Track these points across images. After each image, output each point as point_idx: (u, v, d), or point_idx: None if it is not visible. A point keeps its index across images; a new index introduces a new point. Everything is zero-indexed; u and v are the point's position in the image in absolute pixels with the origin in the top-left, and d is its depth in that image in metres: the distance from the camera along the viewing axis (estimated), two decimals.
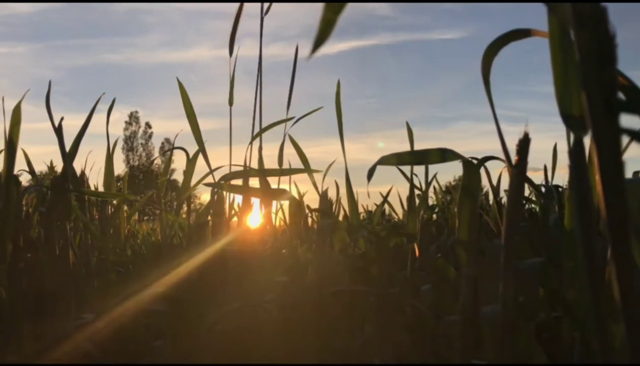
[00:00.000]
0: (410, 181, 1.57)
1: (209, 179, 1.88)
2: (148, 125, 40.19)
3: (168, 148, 1.88)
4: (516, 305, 0.79)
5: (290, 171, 1.59)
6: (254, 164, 1.49)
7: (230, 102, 1.71)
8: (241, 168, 1.50)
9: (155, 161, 38.84)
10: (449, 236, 2.13)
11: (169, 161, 2.30)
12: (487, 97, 0.78)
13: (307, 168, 1.59)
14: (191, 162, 1.90)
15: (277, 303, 1.32)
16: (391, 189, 2.75)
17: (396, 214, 3.28)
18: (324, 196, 1.67)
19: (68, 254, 1.37)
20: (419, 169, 2.45)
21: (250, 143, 1.51)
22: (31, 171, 1.65)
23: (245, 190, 1.41)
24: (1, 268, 1.07)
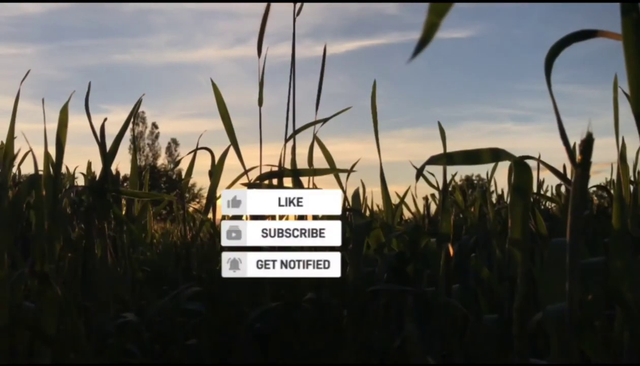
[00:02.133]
0: (444, 180, 1.57)
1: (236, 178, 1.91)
2: (155, 125, 40.28)
3: (192, 150, 1.89)
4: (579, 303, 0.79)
5: (325, 171, 1.59)
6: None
7: (260, 103, 1.71)
8: (266, 168, 1.51)
9: (161, 162, 38.96)
10: (471, 235, 2.14)
11: (192, 161, 2.31)
12: (550, 97, 0.78)
13: (338, 168, 1.60)
14: (220, 162, 1.91)
15: (315, 303, 1.32)
16: (409, 190, 2.75)
17: (412, 213, 3.27)
18: (355, 195, 1.68)
19: (107, 253, 1.38)
20: (436, 169, 2.46)
21: (285, 143, 1.52)
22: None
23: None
24: (47, 266, 1.08)
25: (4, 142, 2.27)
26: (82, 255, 1.29)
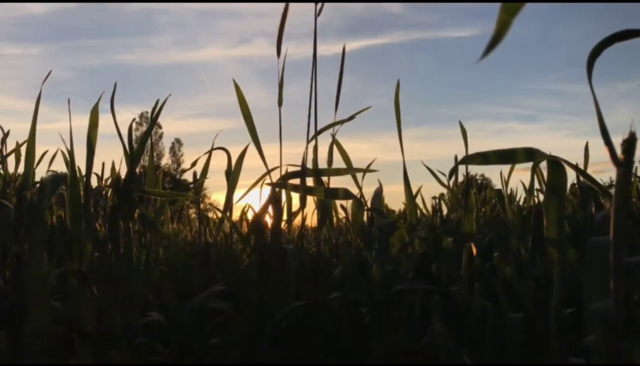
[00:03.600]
0: (466, 180, 1.57)
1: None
2: (158, 125, 40.42)
3: (209, 150, 1.89)
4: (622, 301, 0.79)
5: (347, 171, 1.60)
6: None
7: (280, 103, 1.72)
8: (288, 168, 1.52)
9: (164, 162, 38.96)
10: (484, 235, 2.14)
11: (207, 162, 2.32)
12: (592, 96, 0.78)
13: (356, 168, 1.60)
14: (238, 162, 1.92)
15: (342, 301, 1.33)
16: (420, 188, 2.74)
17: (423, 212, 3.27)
18: (377, 195, 1.68)
19: (132, 253, 1.39)
20: (445, 168, 2.46)
21: (308, 143, 1.52)
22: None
23: (308, 190, 1.42)
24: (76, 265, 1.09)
25: (18, 142, 2.29)
26: (108, 255, 1.30)
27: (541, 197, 2.65)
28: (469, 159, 0.97)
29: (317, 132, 1.53)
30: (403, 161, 1.49)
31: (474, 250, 1.50)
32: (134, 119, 1.33)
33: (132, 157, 1.32)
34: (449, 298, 1.33)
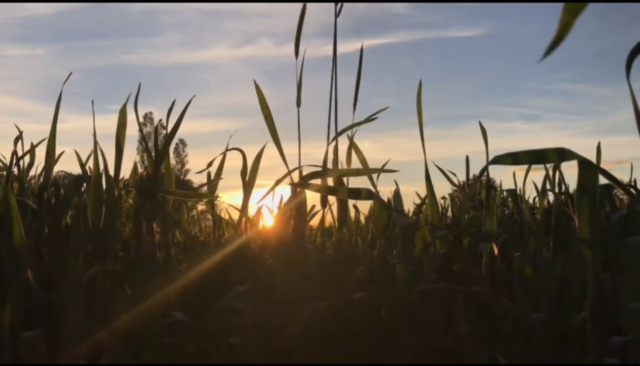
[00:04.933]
0: (487, 180, 1.57)
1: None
2: (162, 126, 40.40)
3: (226, 149, 1.90)
4: None
5: (367, 171, 1.60)
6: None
7: (298, 104, 1.72)
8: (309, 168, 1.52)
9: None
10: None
11: (222, 162, 2.32)
12: (631, 95, 0.78)
13: (381, 168, 1.61)
14: (255, 162, 1.92)
15: (367, 301, 1.33)
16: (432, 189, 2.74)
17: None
18: (396, 195, 1.68)
19: (155, 252, 1.40)
20: (457, 168, 2.46)
21: (328, 144, 1.52)
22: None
23: (330, 190, 1.43)
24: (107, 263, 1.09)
25: (33, 143, 2.30)
26: (132, 254, 1.31)
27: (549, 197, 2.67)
28: (499, 159, 0.98)
29: (338, 133, 1.54)
30: (425, 161, 1.49)
31: (496, 250, 1.50)
32: (160, 120, 1.34)
33: (157, 157, 1.33)
34: (472, 298, 1.33)
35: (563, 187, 2.15)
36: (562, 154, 0.97)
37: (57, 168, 2.23)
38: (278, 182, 1.52)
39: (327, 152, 1.53)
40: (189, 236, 1.57)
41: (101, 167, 1.34)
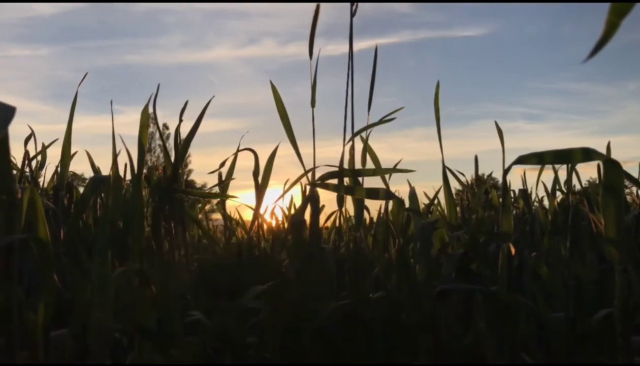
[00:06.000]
0: (504, 180, 1.57)
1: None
2: (165, 126, 40.59)
3: (238, 149, 1.91)
4: None
5: (383, 171, 1.60)
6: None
7: (313, 104, 1.72)
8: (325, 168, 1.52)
9: None
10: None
11: (233, 162, 2.33)
12: None
13: (397, 168, 1.61)
14: (268, 162, 1.93)
15: (386, 300, 1.33)
16: (440, 189, 2.74)
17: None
18: (412, 195, 1.69)
19: (174, 254, 1.40)
20: (460, 168, 2.46)
21: (345, 144, 1.53)
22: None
23: (349, 190, 1.43)
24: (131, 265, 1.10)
25: (44, 144, 2.31)
26: (152, 254, 1.31)
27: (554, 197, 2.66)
28: (524, 159, 0.98)
29: (355, 133, 1.54)
30: (442, 161, 1.49)
31: (513, 250, 1.50)
32: (181, 121, 1.34)
33: (176, 157, 1.33)
34: (491, 297, 1.33)
35: (578, 186, 2.14)
36: (587, 154, 0.96)
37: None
38: (295, 182, 1.52)
39: (343, 152, 1.54)
40: (208, 236, 1.58)
41: (121, 168, 1.35)
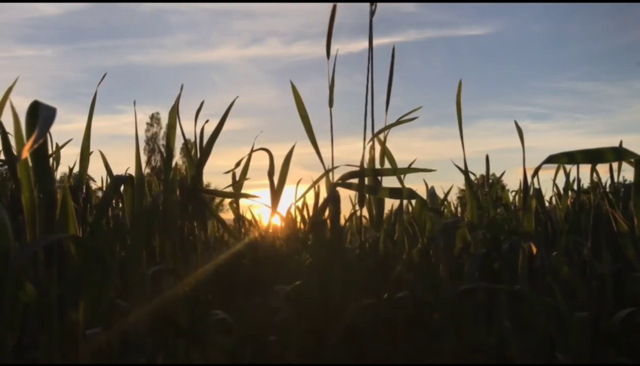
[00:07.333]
0: (524, 180, 1.57)
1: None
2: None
3: (252, 149, 1.92)
4: None
5: (404, 170, 1.61)
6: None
7: (330, 104, 1.73)
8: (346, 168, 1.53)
9: (174, 163, 39.11)
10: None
11: (247, 162, 2.34)
12: None
13: (419, 167, 1.61)
14: (285, 162, 1.94)
15: (410, 300, 1.34)
16: (451, 188, 2.74)
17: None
18: (432, 194, 1.69)
19: (196, 251, 1.41)
20: (476, 168, 2.46)
21: (366, 144, 1.53)
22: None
23: (373, 190, 1.43)
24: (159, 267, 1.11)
25: (58, 144, 2.33)
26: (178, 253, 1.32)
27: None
28: (555, 158, 0.98)
29: (376, 134, 1.54)
30: (464, 160, 1.49)
31: (534, 250, 1.50)
32: (207, 121, 1.35)
33: (200, 157, 1.34)
34: (514, 296, 1.33)
35: (608, 185, 2.13)
36: (619, 154, 0.97)
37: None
38: (316, 181, 1.53)
39: (364, 152, 1.54)
40: (232, 235, 1.58)
41: (144, 168, 1.36)
